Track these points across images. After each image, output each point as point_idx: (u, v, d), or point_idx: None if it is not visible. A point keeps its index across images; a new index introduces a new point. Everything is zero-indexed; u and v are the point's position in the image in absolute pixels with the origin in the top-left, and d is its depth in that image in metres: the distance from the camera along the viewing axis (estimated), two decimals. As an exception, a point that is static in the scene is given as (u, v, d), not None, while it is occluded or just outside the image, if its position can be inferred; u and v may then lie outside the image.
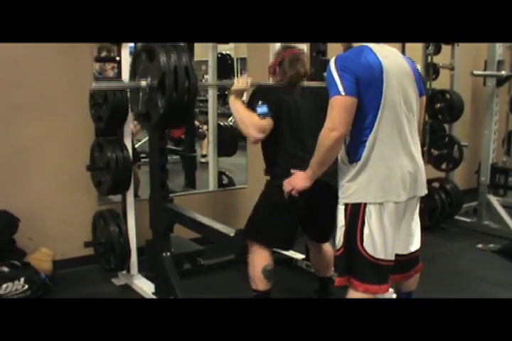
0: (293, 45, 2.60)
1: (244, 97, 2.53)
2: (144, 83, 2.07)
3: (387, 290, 2.10)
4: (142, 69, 2.12)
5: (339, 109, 1.91)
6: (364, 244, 2.00)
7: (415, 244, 2.21)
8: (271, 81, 2.56)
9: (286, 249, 2.64)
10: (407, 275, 2.27)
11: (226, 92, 5.29)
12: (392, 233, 2.02)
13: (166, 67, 1.96)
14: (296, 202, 2.24)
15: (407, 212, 2.12)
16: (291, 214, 2.41)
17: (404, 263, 2.19)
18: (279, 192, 2.18)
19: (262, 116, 2.30)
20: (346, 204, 2.04)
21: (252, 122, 2.31)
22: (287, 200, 2.19)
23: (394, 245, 2.06)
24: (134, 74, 2.18)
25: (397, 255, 2.10)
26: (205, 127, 4.48)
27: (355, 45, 2.03)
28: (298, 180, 2.11)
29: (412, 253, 2.21)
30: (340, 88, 1.89)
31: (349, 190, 2.02)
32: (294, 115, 2.39)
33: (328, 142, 1.92)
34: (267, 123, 2.31)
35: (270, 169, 2.50)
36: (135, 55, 2.22)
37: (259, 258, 2.47)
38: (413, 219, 2.18)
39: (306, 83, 2.48)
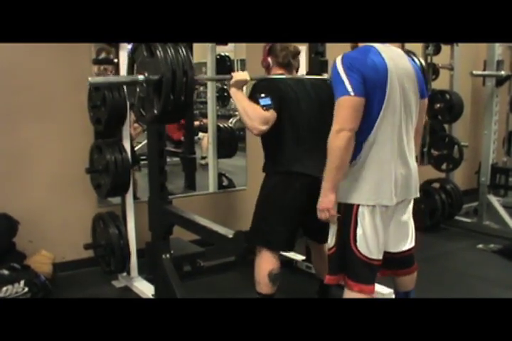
0: None
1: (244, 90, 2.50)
2: (141, 77, 2.01)
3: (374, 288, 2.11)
4: (140, 63, 2.06)
5: (348, 109, 1.88)
6: (357, 244, 2.01)
7: (408, 244, 2.21)
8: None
9: (289, 250, 2.63)
10: (398, 272, 2.27)
11: (225, 86, 5.27)
12: (383, 233, 2.04)
13: (165, 68, 1.91)
14: (294, 198, 2.22)
15: (396, 213, 2.12)
16: (290, 211, 2.40)
17: (394, 260, 2.19)
18: (276, 190, 2.16)
19: (266, 107, 2.26)
20: (339, 204, 2.04)
21: (256, 114, 2.26)
22: (284, 197, 2.16)
23: (384, 245, 2.08)
24: (131, 65, 2.12)
25: (387, 252, 2.12)
26: (204, 120, 4.47)
27: (362, 44, 2.01)
28: (323, 202, 2.02)
29: (404, 252, 2.21)
30: (349, 88, 1.86)
31: (342, 190, 2.01)
32: (294, 106, 2.36)
33: (341, 143, 1.88)
34: (271, 114, 2.28)
35: (269, 165, 2.48)
36: (134, 46, 2.13)
37: (266, 262, 2.46)
38: (405, 218, 2.17)
39: (307, 76, 2.48)
